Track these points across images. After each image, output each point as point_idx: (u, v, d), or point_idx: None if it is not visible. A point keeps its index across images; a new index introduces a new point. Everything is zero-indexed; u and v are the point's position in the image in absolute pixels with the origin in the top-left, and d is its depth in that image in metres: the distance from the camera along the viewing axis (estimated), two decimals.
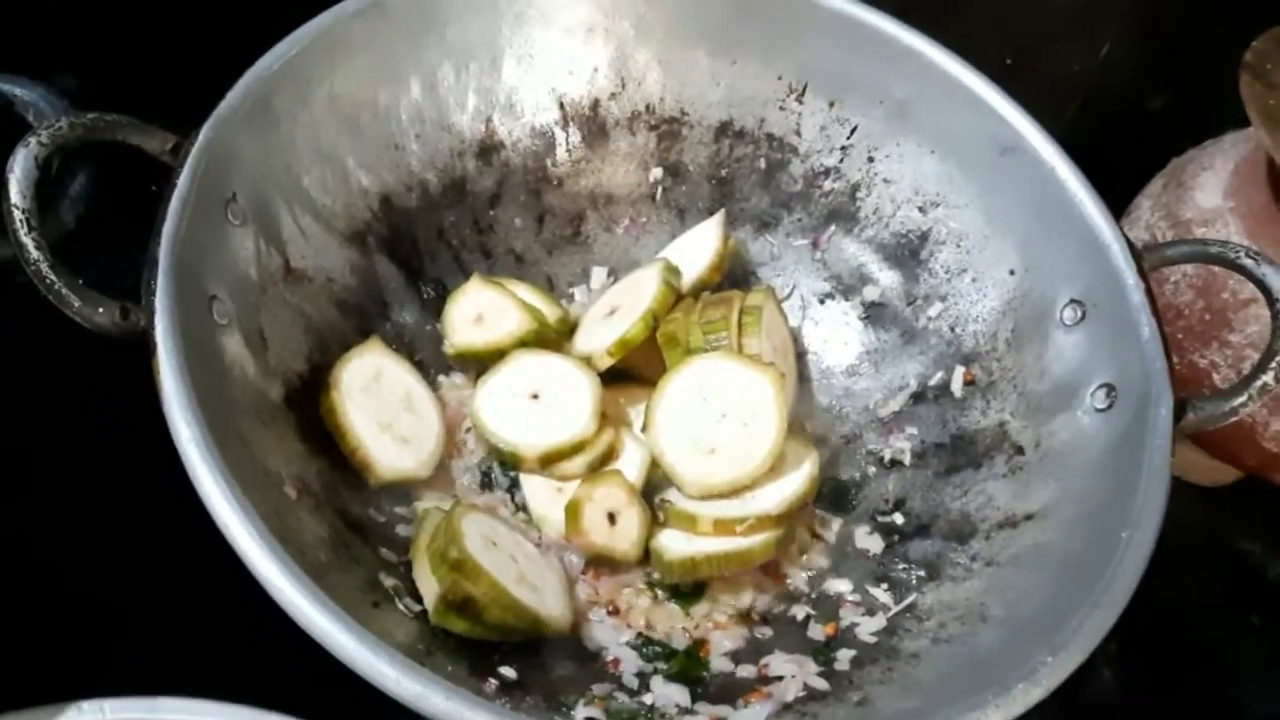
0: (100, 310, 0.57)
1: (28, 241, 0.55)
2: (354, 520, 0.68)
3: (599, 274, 0.91)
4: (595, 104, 0.88)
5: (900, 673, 0.65)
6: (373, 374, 0.75)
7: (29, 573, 0.72)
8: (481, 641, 0.64)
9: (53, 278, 0.56)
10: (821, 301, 0.90)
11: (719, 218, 0.88)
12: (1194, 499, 0.93)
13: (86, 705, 0.54)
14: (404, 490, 0.73)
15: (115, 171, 0.66)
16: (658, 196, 0.91)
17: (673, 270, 0.84)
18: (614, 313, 0.83)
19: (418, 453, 0.74)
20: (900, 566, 0.75)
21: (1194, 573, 0.90)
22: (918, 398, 0.84)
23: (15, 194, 0.55)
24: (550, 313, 0.84)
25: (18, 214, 0.55)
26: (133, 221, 0.60)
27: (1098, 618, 0.56)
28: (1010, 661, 0.56)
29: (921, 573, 0.74)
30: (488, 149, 0.86)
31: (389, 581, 0.65)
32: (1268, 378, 0.67)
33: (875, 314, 0.88)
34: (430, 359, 0.82)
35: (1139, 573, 0.59)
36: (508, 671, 0.63)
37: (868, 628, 0.71)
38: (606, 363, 0.78)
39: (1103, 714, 0.84)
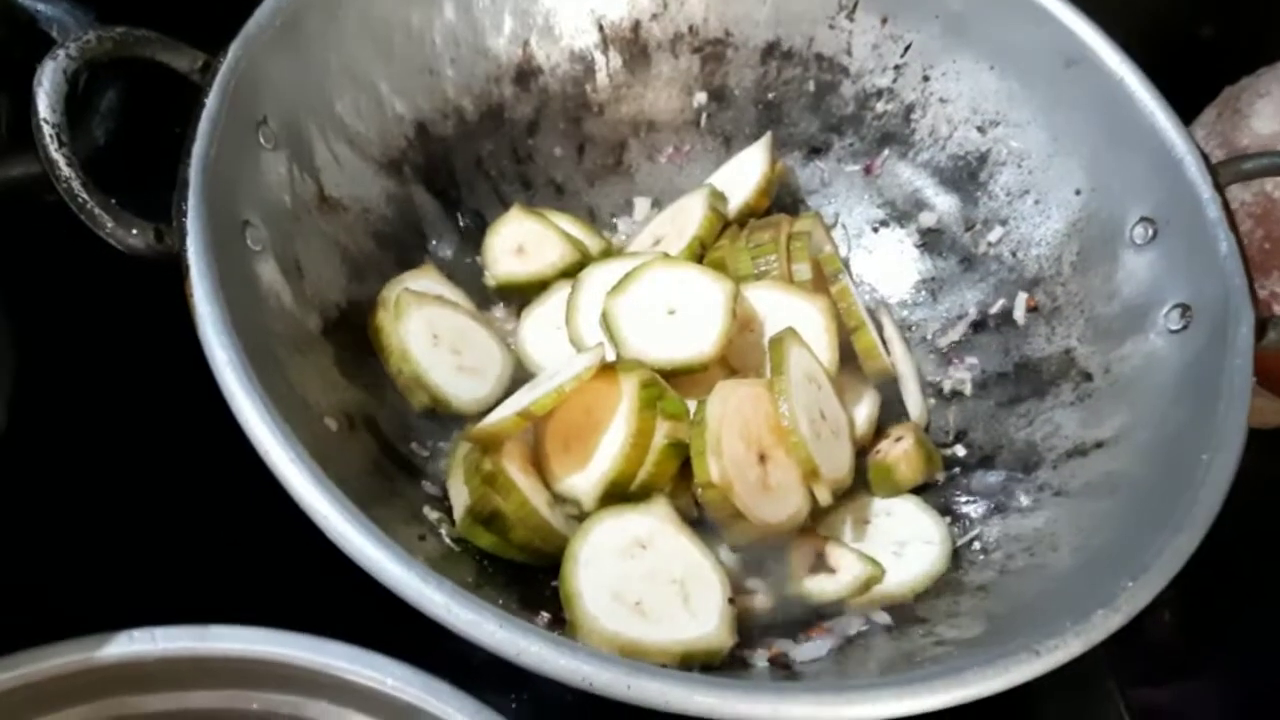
0: (134, 232, 0.55)
1: (58, 158, 0.53)
2: (396, 454, 0.67)
3: (642, 204, 0.88)
4: (636, 26, 0.85)
5: (968, 605, 0.63)
6: (430, 297, 0.73)
7: (73, 503, 0.72)
8: (531, 577, 0.62)
9: (84, 196, 0.54)
10: (875, 229, 0.87)
11: (765, 141, 0.85)
12: (1251, 442, 0.91)
13: (137, 633, 0.53)
14: (445, 423, 0.71)
15: (145, 90, 0.64)
16: (702, 123, 0.88)
17: (719, 196, 0.81)
18: (659, 242, 0.81)
19: (479, 385, 0.72)
20: (962, 499, 0.73)
21: (1249, 515, 0.87)
22: (978, 326, 0.81)
23: (44, 108, 0.53)
24: (592, 244, 0.82)
25: (47, 128, 0.53)
26: (165, 142, 0.57)
27: (1180, 541, 0.54)
28: (1084, 589, 0.54)
29: (985, 505, 0.71)
30: (525, 74, 0.83)
31: (433, 515, 0.64)
32: None
33: (932, 241, 0.85)
34: (470, 293, 0.79)
35: (1222, 495, 0.56)
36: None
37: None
38: None
39: (1163, 655, 0.82)
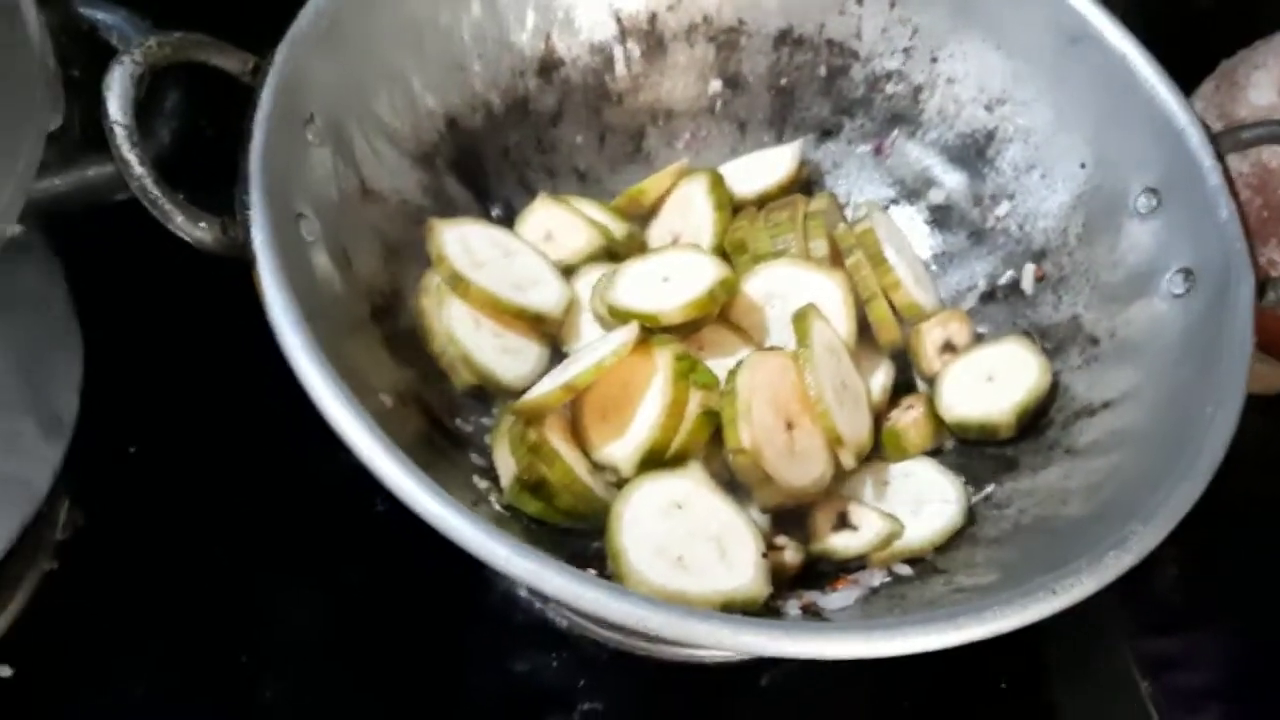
0: (201, 225, 0.58)
1: (131, 158, 0.56)
2: (443, 428, 0.70)
3: None
4: (652, 17, 0.88)
5: (983, 556, 0.66)
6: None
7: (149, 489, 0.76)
8: (575, 540, 0.67)
9: (156, 193, 0.57)
10: (886, 207, 0.89)
11: (796, 147, 0.88)
12: (1248, 407, 0.94)
13: None
14: (484, 400, 0.75)
15: (201, 93, 0.68)
16: (717, 109, 0.91)
17: (718, 186, 0.85)
18: (676, 241, 0.84)
19: (521, 364, 0.75)
20: (976, 459, 0.76)
21: (1251, 477, 0.90)
22: (987, 297, 0.84)
23: (115, 110, 0.56)
24: (617, 229, 0.85)
25: (120, 130, 0.56)
26: (221, 140, 0.61)
27: (1186, 488, 0.57)
28: (1096, 535, 0.56)
29: (997, 464, 0.75)
30: (548, 67, 0.86)
31: (482, 484, 0.67)
32: None
33: (941, 217, 0.88)
34: None
35: (1225, 445, 0.59)
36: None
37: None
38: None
39: (1170, 607, 0.86)
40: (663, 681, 0.75)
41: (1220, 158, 0.71)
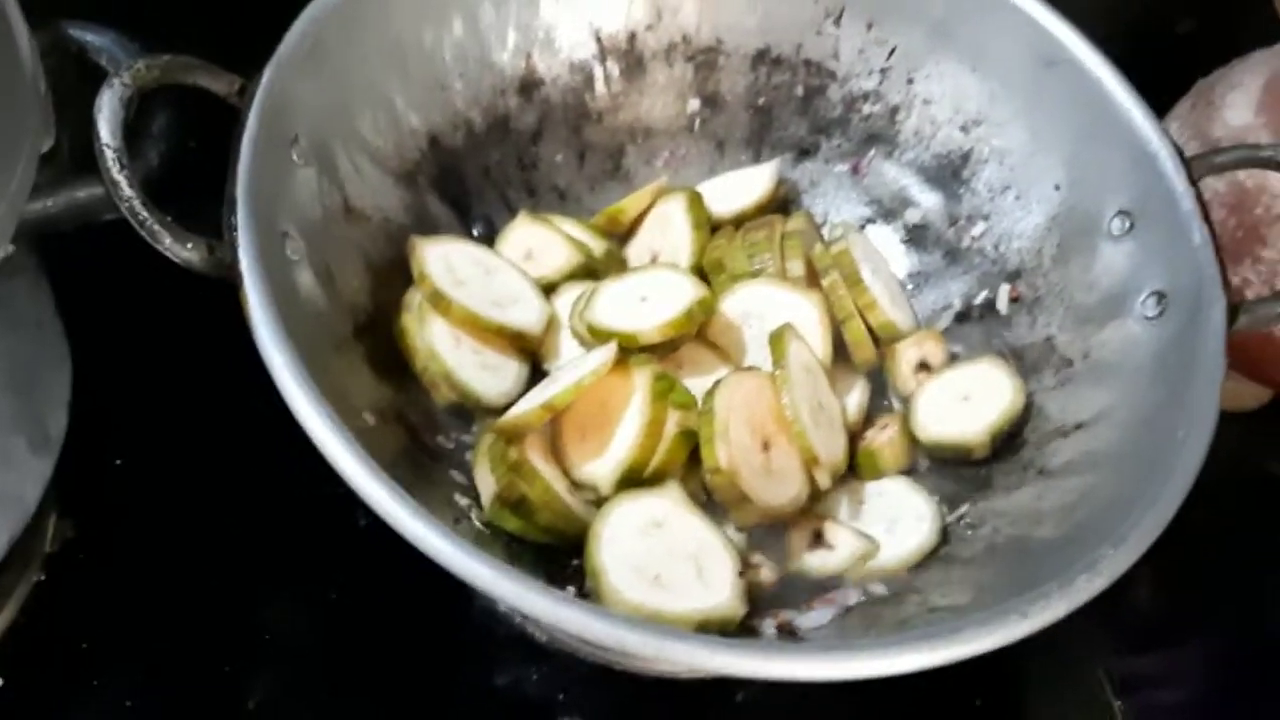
0: (188, 246, 0.59)
1: (120, 179, 0.57)
2: (424, 445, 0.71)
3: None
4: (632, 36, 0.88)
5: (958, 575, 0.67)
6: None
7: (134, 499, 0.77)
8: (555, 557, 0.67)
9: (144, 214, 0.57)
10: (862, 227, 0.90)
11: (773, 166, 0.89)
12: (1223, 425, 0.95)
13: None
14: (465, 418, 0.76)
15: (190, 115, 0.68)
16: (696, 128, 0.92)
17: (697, 204, 0.86)
18: (655, 259, 0.85)
19: (501, 381, 0.76)
20: (950, 479, 0.77)
21: (1224, 495, 0.91)
22: (962, 317, 0.85)
23: (106, 133, 0.56)
24: (597, 247, 0.85)
25: (109, 152, 0.56)
26: (208, 161, 0.61)
27: (1157, 511, 0.58)
28: (1068, 557, 0.57)
29: (972, 484, 0.75)
30: (528, 86, 0.87)
31: (463, 501, 0.68)
32: None
33: (917, 236, 0.89)
34: None
35: (1196, 468, 0.60)
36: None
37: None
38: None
39: (1142, 627, 0.87)
40: (640, 695, 0.76)
41: (1193, 182, 0.72)
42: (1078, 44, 0.78)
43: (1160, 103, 0.90)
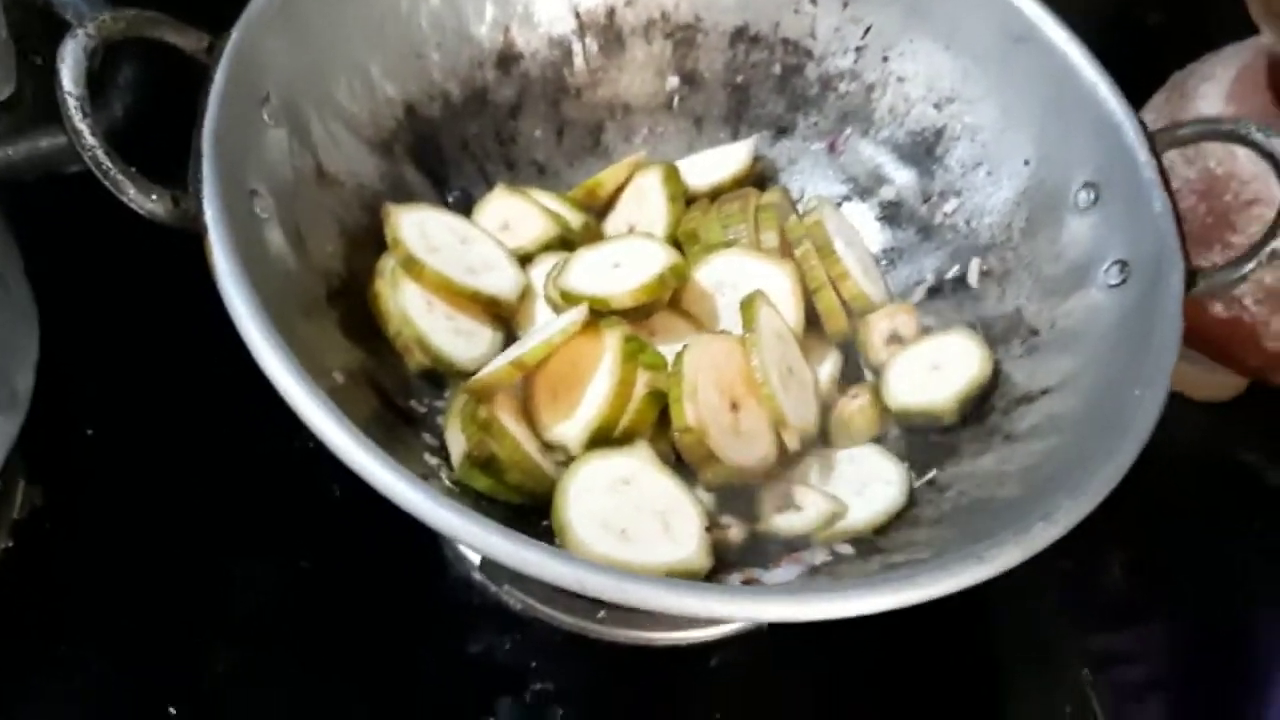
0: (153, 197, 0.59)
1: (82, 127, 0.57)
2: (396, 408, 0.71)
3: None
4: (610, 12, 0.89)
5: (923, 535, 0.68)
6: None
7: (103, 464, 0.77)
8: (525, 517, 0.67)
9: (108, 164, 0.58)
10: (839, 204, 0.91)
11: (750, 143, 0.90)
12: (1196, 414, 0.97)
13: None
14: (437, 382, 0.76)
15: (157, 68, 0.69)
16: (674, 105, 0.93)
17: (673, 178, 0.87)
18: (632, 229, 0.86)
19: (474, 346, 0.76)
20: (920, 446, 0.78)
21: (1198, 482, 0.95)
22: (934, 291, 0.86)
23: (68, 81, 0.57)
24: (574, 219, 0.86)
25: (72, 100, 0.57)
26: (176, 117, 0.62)
27: (1112, 465, 0.59)
28: (1028, 512, 0.58)
29: (941, 450, 0.76)
30: (506, 59, 0.87)
31: (432, 461, 0.68)
32: (1277, 243, 0.69)
33: (892, 213, 0.90)
34: None
35: (1151, 425, 0.61)
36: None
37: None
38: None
39: (1117, 604, 0.88)
40: (614, 662, 0.76)
41: (1155, 153, 0.73)
42: (1046, 20, 0.79)
43: (1136, 95, 0.91)
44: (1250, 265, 0.69)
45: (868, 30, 0.88)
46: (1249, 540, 0.92)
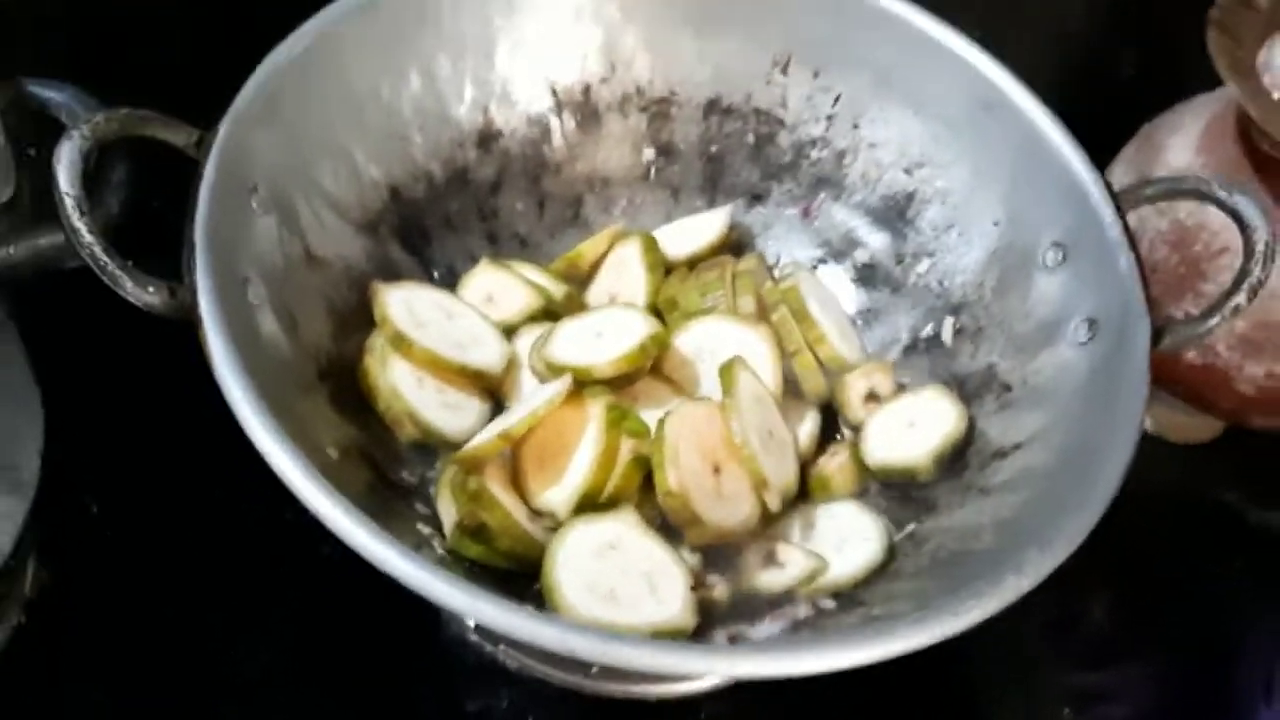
0: (150, 289, 0.61)
1: (81, 226, 0.59)
2: (388, 480, 0.73)
3: None
4: (587, 89, 0.91)
5: (902, 588, 0.70)
6: None
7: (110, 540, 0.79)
8: (515, 583, 0.69)
9: (105, 260, 0.60)
10: (814, 267, 0.93)
11: (726, 211, 0.92)
12: (1175, 456, 0.99)
13: None
14: (427, 454, 0.78)
15: (149, 166, 0.71)
16: (651, 176, 0.95)
17: (651, 248, 0.89)
18: (613, 299, 0.88)
19: (462, 418, 0.78)
20: (898, 501, 0.80)
21: (1179, 523, 0.96)
22: (909, 349, 0.88)
23: (65, 182, 0.59)
24: (557, 290, 0.88)
25: (69, 200, 0.59)
26: (168, 209, 0.64)
27: (1082, 517, 0.61)
28: (1001, 565, 0.60)
29: (918, 505, 0.78)
30: (487, 138, 0.89)
31: (425, 530, 0.70)
32: (1240, 299, 0.71)
33: (867, 275, 0.92)
34: None
35: (1119, 478, 0.63)
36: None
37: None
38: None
39: (1099, 651, 0.89)
40: (607, 717, 0.78)
41: (1121, 213, 0.75)
42: (1013, 87, 0.82)
43: (1107, 146, 0.94)
44: (1214, 320, 0.71)
45: (838, 99, 0.90)
46: (1231, 579, 0.93)
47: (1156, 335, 0.71)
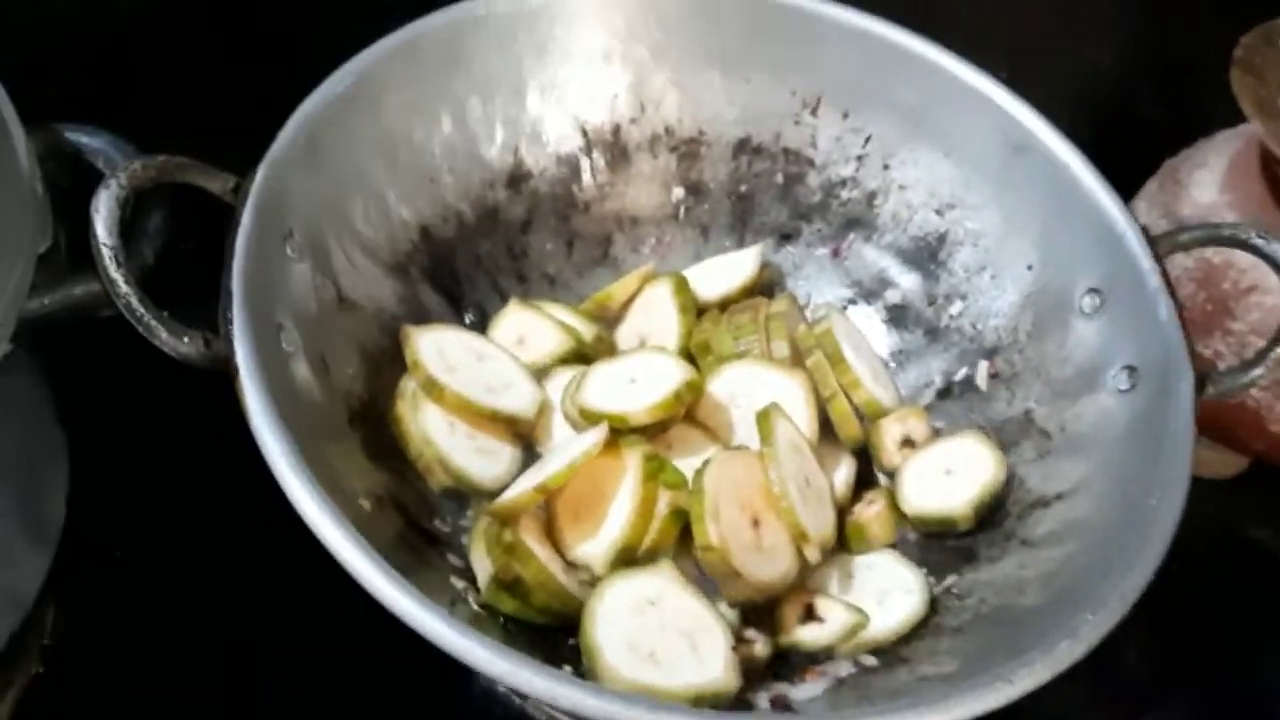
0: (185, 340, 0.60)
1: (117, 277, 0.59)
2: (420, 529, 0.72)
3: None
4: (616, 129, 0.91)
5: (946, 644, 0.69)
6: None
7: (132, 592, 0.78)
8: (551, 637, 0.68)
9: (141, 310, 0.59)
10: (844, 308, 0.92)
11: (757, 250, 0.92)
12: (1203, 492, 0.97)
13: None
14: (460, 502, 0.77)
15: (184, 212, 0.71)
16: (681, 215, 0.95)
17: (683, 289, 0.88)
18: (644, 343, 0.87)
19: (495, 465, 0.77)
20: (936, 551, 0.78)
21: (1206, 559, 0.93)
22: (944, 393, 0.87)
23: (102, 232, 0.58)
24: (587, 332, 0.87)
25: (106, 250, 0.58)
26: (202, 258, 0.63)
27: (1133, 578, 0.60)
28: (1050, 624, 0.59)
29: (957, 556, 0.77)
30: (517, 178, 0.89)
31: (459, 584, 0.69)
32: None
33: (898, 316, 0.91)
34: None
35: (1170, 535, 0.62)
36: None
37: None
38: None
39: (1131, 690, 0.88)
40: None
41: (1159, 260, 0.75)
42: (1045, 131, 0.81)
43: (1129, 182, 0.93)
44: (1258, 371, 0.71)
45: (868, 140, 0.90)
46: (1263, 616, 0.92)
47: (1200, 384, 0.70)
